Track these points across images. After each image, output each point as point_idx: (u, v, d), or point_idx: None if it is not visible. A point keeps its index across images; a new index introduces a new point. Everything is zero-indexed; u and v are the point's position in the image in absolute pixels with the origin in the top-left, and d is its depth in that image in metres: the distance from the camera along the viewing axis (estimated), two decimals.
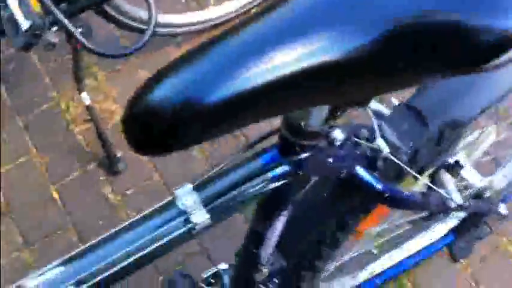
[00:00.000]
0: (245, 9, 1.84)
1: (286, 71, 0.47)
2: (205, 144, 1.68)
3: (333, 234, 0.91)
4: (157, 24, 1.66)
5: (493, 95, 0.82)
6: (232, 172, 0.63)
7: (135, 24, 1.65)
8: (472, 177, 1.09)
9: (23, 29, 1.20)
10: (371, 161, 0.79)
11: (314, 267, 0.99)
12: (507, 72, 0.81)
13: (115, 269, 0.58)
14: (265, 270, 0.88)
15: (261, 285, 0.97)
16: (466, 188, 1.13)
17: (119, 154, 1.63)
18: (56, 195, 1.63)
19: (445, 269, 1.53)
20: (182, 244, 0.61)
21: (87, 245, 0.59)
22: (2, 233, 1.57)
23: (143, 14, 1.62)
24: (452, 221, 1.27)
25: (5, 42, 1.64)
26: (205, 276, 1.07)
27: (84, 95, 1.53)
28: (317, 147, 0.65)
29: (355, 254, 1.23)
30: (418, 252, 1.24)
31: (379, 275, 1.22)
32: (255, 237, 0.79)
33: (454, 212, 1.16)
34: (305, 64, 0.47)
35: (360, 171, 0.78)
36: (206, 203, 0.61)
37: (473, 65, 0.50)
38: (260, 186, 0.64)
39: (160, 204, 0.62)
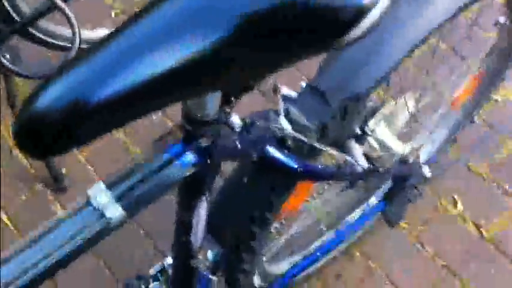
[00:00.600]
0: None
1: (162, 67, 0.52)
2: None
3: (261, 214, 0.97)
4: (85, 41, 1.69)
5: (384, 66, 0.89)
6: (141, 166, 0.69)
7: (62, 43, 1.67)
8: (393, 144, 1.16)
9: None
10: (281, 142, 0.85)
11: (251, 249, 1.04)
12: (390, 45, 0.88)
13: (36, 271, 0.62)
14: (201, 256, 0.93)
15: (206, 274, 1.03)
16: (390, 156, 1.20)
17: (63, 171, 1.67)
18: (7, 221, 1.66)
19: (392, 236, 1.61)
20: (100, 240, 0.66)
21: (9, 251, 0.63)
22: None
23: (69, 33, 1.65)
24: (383, 188, 1.34)
25: None
26: (152, 272, 1.13)
27: None
28: (218, 134, 0.71)
29: (297, 232, 1.29)
30: (355, 220, 1.31)
31: (320, 247, 1.29)
32: (182, 226, 0.85)
33: (378, 180, 1.24)
34: (180, 60, 0.52)
35: (272, 151, 0.84)
36: (119, 198, 0.66)
37: (331, 41, 0.56)
38: (170, 177, 0.69)
39: (75, 205, 0.66)
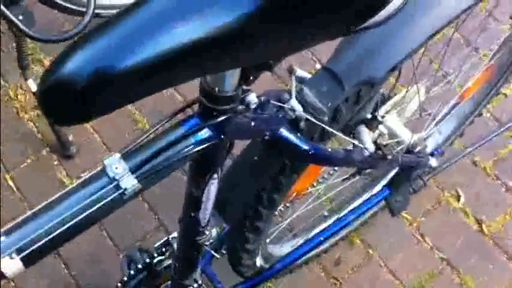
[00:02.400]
0: None
1: (185, 39, 0.53)
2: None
3: (268, 195, 0.98)
4: (99, 6, 1.69)
5: (398, 54, 0.89)
6: (157, 139, 0.69)
7: (77, 8, 1.67)
8: (402, 133, 1.16)
9: None
10: (294, 123, 0.86)
11: (257, 229, 1.05)
12: (407, 32, 0.88)
13: (53, 235, 0.63)
14: (207, 233, 0.94)
15: (209, 249, 1.04)
16: (397, 144, 1.20)
17: (70, 138, 1.66)
18: (11, 182, 1.66)
19: (392, 225, 1.61)
20: (116, 209, 0.67)
21: (25, 215, 0.64)
22: None
23: None
24: (388, 177, 1.35)
25: None
26: (156, 245, 1.13)
27: (30, 81, 1.56)
28: (234, 111, 0.71)
29: (301, 215, 1.30)
30: (358, 207, 1.31)
31: (323, 231, 1.30)
32: (192, 202, 0.85)
33: (385, 168, 1.24)
34: (204, 33, 0.52)
35: (284, 132, 0.84)
36: (134, 169, 0.66)
37: (352, 25, 0.56)
38: (185, 151, 0.70)
39: (91, 174, 0.67)
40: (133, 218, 1.60)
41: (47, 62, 1.84)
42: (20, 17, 1.34)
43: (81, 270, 1.55)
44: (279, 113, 0.82)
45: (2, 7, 1.24)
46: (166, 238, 1.11)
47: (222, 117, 0.70)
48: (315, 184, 1.23)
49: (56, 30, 1.86)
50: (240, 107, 0.72)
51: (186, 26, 0.53)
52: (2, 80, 1.82)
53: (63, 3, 1.63)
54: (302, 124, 0.86)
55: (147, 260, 1.12)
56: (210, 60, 0.56)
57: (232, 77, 0.67)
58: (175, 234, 1.13)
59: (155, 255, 1.13)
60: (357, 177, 1.17)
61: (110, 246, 1.59)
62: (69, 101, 0.51)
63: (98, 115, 0.53)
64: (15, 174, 1.67)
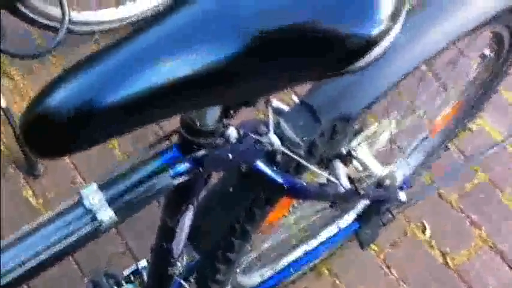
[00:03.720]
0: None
1: (171, 76, 0.53)
2: (127, 143, 1.71)
3: (242, 226, 0.98)
4: (73, 22, 1.68)
5: (376, 91, 0.90)
6: (135, 171, 0.68)
7: (50, 23, 1.65)
8: (373, 166, 1.18)
9: None
10: (270, 156, 0.86)
11: (227, 260, 1.04)
12: (384, 71, 0.90)
13: (27, 267, 0.61)
14: (179, 264, 0.93)
15: (178, 278, 1.02)
16: (368, 177, 1.22)
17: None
18: None
19: (360, 256, 1.62)
20: (90, 241, 0.66)
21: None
22: None
23: (57, 12, 1.63)
24: (357, 209, 1.36)
25: None
26: (126, 274, 1.12)
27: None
28: (214, 145, 0.71)
29: (271, 245, 1.30)
30: (328, 239, 1.32)
31: (292, 262, 1.30)
32: (166, 232, 0.84)
33: (356, 201, 1.25)
34: (187, 71, 0.53)
35: (261, 165, 0.84)
36: (111, 201, 0.65)
37: (337, 69, 0.57)
38: (163, 183, 0.69)
39: (67, 204, 0.66)
40: (100, 241, 1.57)
41: (16, 77, 1.81)
42: None
43: None
44: (256, 146, 0.82)
45: None
46: (135, 266, 1.09)
47: (202, 151, 0.70)
48: (286, 214, 1.23)
49: (27, 44, 1.84)
50: (220, 141, 0.72)
51: (171, 64, 0.53)
52: None
53: (36, 18, 1.62)
54: (278, 157, 0.86)
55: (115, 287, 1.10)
56: (194, 98, 0.57)
57: (213, 111, 0.67)
58: (144, 263, 1.12)
59: (123, 282, 1.12)
60: (328, 209, 1.18)
61: (74, 270, 1.56)
62: (51, 135, 0.51)
63: (81, 149, 0.53)
64: None
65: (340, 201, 1.08)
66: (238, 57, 0.54)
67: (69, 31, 1.48)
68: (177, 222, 0.81)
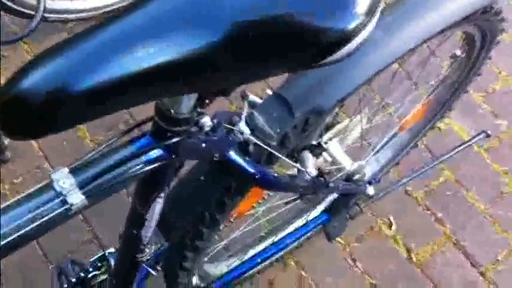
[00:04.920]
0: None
1: (147, 63, 0.53)
2: (98, 131, 1.70)
3: (211, 215, 0.98)
4: (48, 10, 1.66)
5: (347, 87, 0.91)
6: (107, 156, 0.68)
7: (24, 10, 1.64)
8: (343, 160, 1.19)
9: None
10: (243, 146, 0.86)
11: (196, 248, 1.05)
12: (357, 67, 0.91)
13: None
14: (148, 251, 0.93)
15: (145, 266, 1.02)
16: (338, 170, 1.23)
17: (6, 142, 1.61)
18: None
19: (326, 249, 1.64)
20: (59, 225, 0.65)
21: None
22: None
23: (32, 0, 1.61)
24: (326, 202, 1.37)
25: None
26: (92, 260, 1.11)
27: None
28: (187, 133, 0.71)
29: (239, 235, 1.30)
30: (296, 231, 1.33)
31: (260, 253, 1.31)
32: (136, 219, 0.84)
33: (323, 193, 1.26)
34: (163, 58, 0.53)
35: (233, 155, 0.85)
36: (82, 185, 0.65)
37: (312, 61, 0.58)
38: (135, 169, 0.69)
39: (38, 186, 0.65)
40: (66, 228, 1.56)
41: None
42: None
43: (8, 279, 1.50)
44: (229, 136, 0.83)
45: None
46: (102, 253, 1.09)
47: (176, 139, 0.70)
48: (255, 205, 1.24)
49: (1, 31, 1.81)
50: (194, 129, 0.72)
51: (147, 51, 0.53)
52: None
53: (10, 4, 1.60)
54: (250, 147, 0.87)
55: (81, 274, 1.10)
56: (168, 85, 0.57)
57: (188, 99, 0.67)
58: (111, 249, 1.11)
59: (90, 269, 1.11)
60: (298, 201, 1.19)
61: (39, 256, 1.54)
62: (25, 116, 0.51)
63: (53, 132, 0.53)
64: None
65: (309, 193, 1.10)
66: (214, 46, 0.54)
67: (44, 19, 1.47)
68: (148, 209, 0.81)
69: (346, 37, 0.58)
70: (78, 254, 1.53)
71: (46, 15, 1.64)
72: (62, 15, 1.77)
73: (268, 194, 1.30)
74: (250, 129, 0.85)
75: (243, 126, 0.81)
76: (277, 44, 0.56)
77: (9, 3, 1.61)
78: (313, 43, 0.56)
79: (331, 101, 0.91)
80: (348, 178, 1.25)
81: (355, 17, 0.57)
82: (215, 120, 0.77)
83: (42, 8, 1.43)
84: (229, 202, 0.96)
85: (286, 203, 1.20)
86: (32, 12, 1.66)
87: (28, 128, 0.52)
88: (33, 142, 1.69)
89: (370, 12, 0.59)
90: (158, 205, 0.82)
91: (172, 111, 0.67)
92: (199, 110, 0.71)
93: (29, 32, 1.44)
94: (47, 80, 0.51)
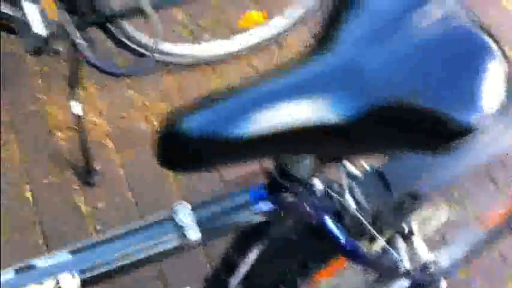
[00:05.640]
0: (236, 52, 1.96)
1: (288, 121, 0.58)
2: (182, 176, 1.75)
3: (293, 276, 1.00)
4: (165, 53, 1.78)
5: (450, 175, 0.93)
6: (225, 199, 0.73)
7: (138, 48, 1.74)
8: (421, 249, 1.20)
9: (42, 35, 1.30)
10: (338, 215, 0.89)
11: None
12: (462, 156, 0.93)
13: (113, 266, 0.65)
14: None
15: None
16: (413, 258, 1.23)
17: (97, 167, 1.69)
18: (28, 194, 1.67)
19: None
20: (172, 256, 0.69)
21: (92, 240, 0.66)
22: None
23: (143, 39, 1.72)
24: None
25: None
26: None
27: (74, 103, 1.61)
28: (298, 192, 0.75)
29: None
30: None
31: None
32: (228, 265, 0.87)
33: (399, 279, 1.26)
34: (300, 120, 0.58)
35: (329, 221, 0.88)
36: (200, 222, 0.69)
37: (435, 146, 0.61)
38: (246, 217, 0.73)
39: (159, 216, 0.70)
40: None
41: (90, 89, 1.89)
42: (84, 43, 1.42)
43: None
44: (331, 203, 0.86)
45: (76, 33, 1.31)
46: None
47: (288, 195, 0.74)
48: (333, 274, 1.24)
49: (107, 61, 1.91)
50: (303, 189, 0.76)
51: (290, 111, 0.58)
52: (42, 95, 1.87)
53: (127, 41, 1.71)
54: (347, 219, 0.89)
55: None
56: (303, 144, 0.61)
57: (307, 160, 0.71)
58: None
59: None
60: (371, 279, 1.19)
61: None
62: (180, 152, 0.57)
63: (199, 170, 0.58)
64: (34, 188, 1.69)
65: (391, 275, 1.10)
66: (354, 116, 0.58)
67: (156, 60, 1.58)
68: (243, 258, 0.84)
69: (468, 130, 0.61)
70: None
71: (160, 58, 1.76)
72: (165, 57, 1.87)
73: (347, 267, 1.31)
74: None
75: (348, 198, 0.84)
76: (410, 125, 0.59)
77: (125, 40, 1.72)
78: (439, 130, 0.60)
79: (431, 189, 0.93)
80: (424, 268, 1.25)
81: (485, 111, 0.61)
82: (324, 185, 0.80)
83: (156, 50, 1.55)
84: (312, 267, 0.98)
85: (352, 277, 1.21)
86: (140, 50, 1.77)
87: (179, 163, 0.58)
88: (121, 172, 1.75)
89: (498, 109, 0.62)
90: (253, 256, 0.85)
91: (290, 168, 0.72)
92: (314, 172, 0.74)
93: (143, 71, 1.55)
94: (205, 124, 0.57)
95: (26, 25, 1.41)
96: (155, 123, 1.86)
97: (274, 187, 0.74)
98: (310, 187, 0.77)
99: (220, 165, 0.61)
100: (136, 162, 1.76)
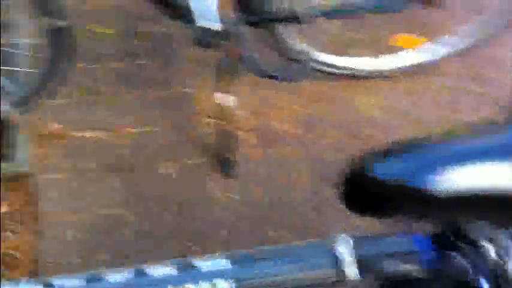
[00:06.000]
0: (388, 72, 1.91)
1: (487, 187, 0.58)
2: None
3: None
4: (326, 64, 1.78)
5: None
6: (388, 240, 0.68)
7: (289, 51, 1.75)
8: None
9: (214, 30, 1.34)
10: (496, 279, 0.82)
11: None
12: None
13: (267, 282, 0.64)
14: None
15: None
16: None
17: (237, 159, 1.70)
18: (171, 170, 1.71)
19: None
20: None
21: (250, 251, 0.65)
22: None
23: (298, 45, 1.75)
24: None
25: None
26: None
27: (225, 94, 1.63)
28: (468, 254, 0.70)
29: None
30: None
31: None
32: None
33: None
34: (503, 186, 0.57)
35: (485, 284, 0.81)
36: (361, 260, 0.66)
37: None
38: (408, 266, 0.69)
39: (315, 241, 0.67)
40: None
41: (243, 84, 1.90)
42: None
43: None
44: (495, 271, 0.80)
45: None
46: None
47: (456, 255, 0.69)
48: None
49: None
50: (477, 253, 0.71)
51: (482, 173, 0.57)
52: (195, 81, 1.91)
53: (281, 45, 1.72)
54: (504, 286, 0.82)
55: None
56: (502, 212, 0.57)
57: (483, 222, 0.67)
58: None
59: None
60: None
61: None
62: (369, 196, 0.58)
63: (386, 217, 0.56)
64: (172, 169, 1.73)
65: None
66: None
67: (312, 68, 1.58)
68: None
69: None
70: None
71: (320, 68, 1.75)
72: (323, 67, 1.86)
73: None
74: None
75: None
76: None
77: (282, 44, 1.72)
78: None
79: None
80: None
81: None
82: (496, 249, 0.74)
83: (311, 59, 1.55)
84: None
85: None
86: (297, 57, 1.77)
87: (366, 207, 0.58)
88: (262, 170, 1.74)
89: None
90: None
91: (468, 229, 0.67)
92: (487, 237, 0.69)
93: (297, 76, 1.55)
94: (393, 171, 0.58)
95: (199, 17, 1.44)
96: (299, 128, 1.85)
97: (441, 241, 0.69)
98: (483, 251, 0.72)
99: (404, 216, 0.59)
100: (276, 163, 1.76)
